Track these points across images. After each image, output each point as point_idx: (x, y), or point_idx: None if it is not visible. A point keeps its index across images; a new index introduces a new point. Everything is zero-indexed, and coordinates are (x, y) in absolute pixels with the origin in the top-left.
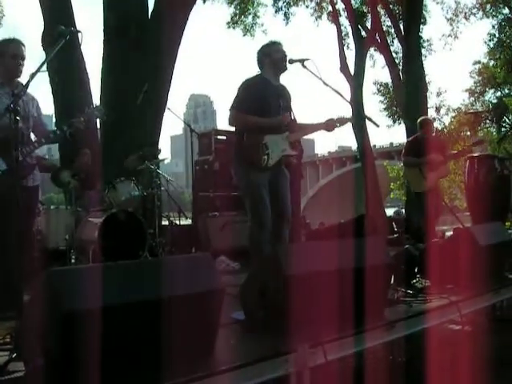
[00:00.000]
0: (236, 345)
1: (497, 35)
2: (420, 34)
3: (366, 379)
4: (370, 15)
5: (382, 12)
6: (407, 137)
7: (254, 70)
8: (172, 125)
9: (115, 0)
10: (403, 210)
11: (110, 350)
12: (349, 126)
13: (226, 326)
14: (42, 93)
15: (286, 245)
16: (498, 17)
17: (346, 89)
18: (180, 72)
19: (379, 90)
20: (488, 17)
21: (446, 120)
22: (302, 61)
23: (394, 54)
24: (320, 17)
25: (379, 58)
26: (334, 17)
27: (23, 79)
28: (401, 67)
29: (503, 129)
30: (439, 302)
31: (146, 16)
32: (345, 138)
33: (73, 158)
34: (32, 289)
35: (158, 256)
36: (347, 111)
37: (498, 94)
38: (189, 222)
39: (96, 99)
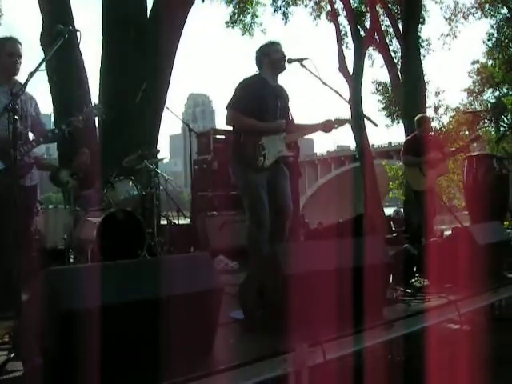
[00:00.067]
0: (235, 344)
1: (495, 35)
2: (419, 33)
3: (364, 378)
4: (368, 15)
5: (381, 11)
6: (406, 136)
7: (252, 70)
8: (171, 124)
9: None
10: (402, 210)
11: (109, 350)
12: (347, 126)
13: (225, 325)
14: (40, 92)
15: (284, 244)
16: (496, 16)
17: (344, 88)
18: (179, 71)
19: (378, 90)
20: (486, 16)
21: (445, 119)
22: (300, 60)
23: (392, 54)
24: (319, 16)
25: (378, 58)
26: (333, 16)
27: (21, 78)
28: (399, 67)
29: (502, 128)
30: (438, 301)
31: (144, 16)
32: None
33: (71, 158)
34: (30, 288)
35: (156, 255)
36: (346, 111)
37: (497, 93)
38: (187, 221)
39: (95, 98)
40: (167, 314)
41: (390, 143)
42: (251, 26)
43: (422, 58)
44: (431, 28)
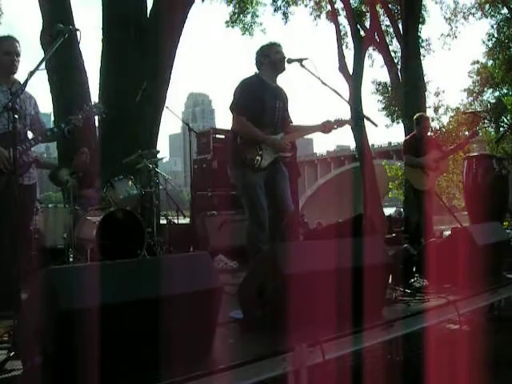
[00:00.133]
0: (234, 344)
1: (495, 35)
2: (419, 33)
3: (364, 378)
4: (368, 14)
5: (381, 11)
6: (405, 136)
7: (252, 69)
8: (170, 123)
9: None
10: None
11: (108, 349)
12: (347, 127)
13: (224, 324)
14: (40, 91)
15: (284, 244)
16: (496, 17)
17: (344, 88)
18: (179, 71)
19: (378, 90)
20: (487, 17)
21: (445, 120)
22: (300, 60)
23: (392, 54)
24: (319, 16)
25: (378, 58)
26: (333, 16)
27: (21, 77)
28: (399, 67)
29: (501, 128)
30: (437, 302)
31: (144, 15)
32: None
33: (71, 157)
34: (30, 287)
35: (156, 255)
36: (346, 111)
37: (497, 93)
38: (187, 220)
39: (95, 98)
40: (166, 314)
41: (389, 143)
42: (251, 25)
43: (421, 58)
44: (431, 28)
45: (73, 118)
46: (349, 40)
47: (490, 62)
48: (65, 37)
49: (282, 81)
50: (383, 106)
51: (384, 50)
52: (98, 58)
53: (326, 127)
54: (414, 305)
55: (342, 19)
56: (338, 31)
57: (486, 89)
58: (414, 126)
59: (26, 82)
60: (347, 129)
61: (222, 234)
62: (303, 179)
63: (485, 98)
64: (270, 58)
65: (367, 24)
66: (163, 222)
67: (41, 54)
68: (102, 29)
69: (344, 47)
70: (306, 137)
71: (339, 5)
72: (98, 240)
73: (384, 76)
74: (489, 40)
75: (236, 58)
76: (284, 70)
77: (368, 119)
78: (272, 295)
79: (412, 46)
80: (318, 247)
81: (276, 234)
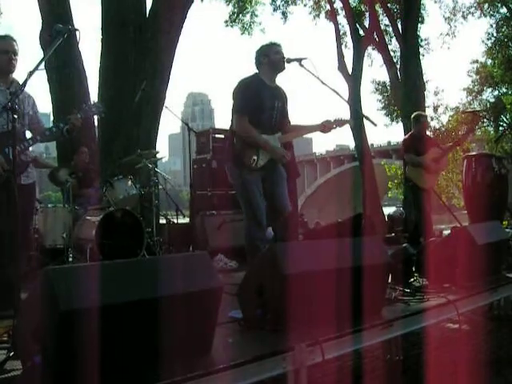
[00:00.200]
0: (234, 343)
1: (495, 34)
2: (418, 32)
3: (363, 378)
4: (367, 14)
5: (380, 11)
6: (405, 135)
7: (251, 69)
8: (170, 123)
9: None
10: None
11: (107, 349)
12: (346, 127)
13: (224, 324)
14: (39, 91)
15: (283, 244)
16: (495, 16)
17: (343, 88)
18: (178, 70)
19: (377, 89)
20: (486, 16)
21: (444, 119)
22: (299, 60)
23: (391, 53)
24: (318, 15)
25: (377, 57)
26: (332, 15)
27: (20, 77)
28: (398, 66)
29: (501, 128)
30: (437, 301)
31: (143, 15)
32: (343, 136)
33: (71, 157)
34: (29, 287)
35: (155, 254)
36: (345, 110)
37: (496, 92)
38: (186, 220)
39: (94, 97)
40: (166, 314)
41: (389, 142)
42: (250, 25)
43: (421, 57)
44: (430, 27)
45: (72, 118)
46: (348, 39)
47: (490, 61)
48: (64, 37)
49: (281, 80)
50: (382, 105)
51: (383, 49)
52: (98, 58)
53: (326, 127)
54: (414, 304)
55: (341, 19)
56: (337, 31)
57: (485, 88)
58: (411, 125)
59: (25, 81)
60: (347, 128)
61: (221, 234)
62: (303, 179)
63: (484, 97)
64: (270, 58)
65: (366, 23)
66: (163, 221)
67: (40, 54)
68: (102, 28)
69: (343, 47)
70: (305, 136)
71: (338, 4)
72: (97, 240)
73: (383, 75)
74: (488, 39)
75: (235, 57)
76: (283, 69)
77: (367, 119)
78: (271, 295)
79: (411, 45)
80: (318, 247)
81: (276, 234)
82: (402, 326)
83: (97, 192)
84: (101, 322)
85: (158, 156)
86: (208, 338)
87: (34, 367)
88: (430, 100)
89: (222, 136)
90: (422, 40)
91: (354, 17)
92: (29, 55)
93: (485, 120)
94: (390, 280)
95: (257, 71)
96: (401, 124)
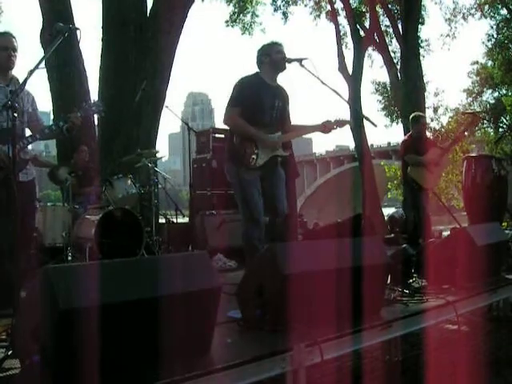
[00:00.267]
0: (232, 343)
1: (495, 36)
2: (418, 33)
3: (362, 378)
4: (368, 15)
5: (381, 12)
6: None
7: (251, 69)
8: (170, 123)
9: None
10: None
11: (107, 348)
12: (347, 127)
13: (223, 324)
14: (40, 90)
15: (283, 244)
16: (496, 17)
17: (344, 88)
18: (178, 70)
19: (377, 90)
20: (486, 17)
21: (444, 120)
22: (300, 60)
23: (392, 54)
24: (318, 16)
25: (377, 58)
26: (333, 16)
27: (21, 76)
28: (399, 67)
29: (500, 129)
30: (436, 302)
31: (144, 14)
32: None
33: (70, 155)
34: (28, 286)
35: (154, 254)
36: (345, 111)
37: (496, 94)
38: (186, 220)
39: (94, 96)
40: (165, 313)
41: (389, 143)
42: (251, 25)
43: (421, 58)
44: (431, 28)
45: (72, 116)
46: (348, 40)
47: (490, 63)
48: (64, 35)
49: (281, 81)
50: (382, 106)
51: (383, 50)
52: (98, 57)
53: (326, 127)
54: (413, 305)
55: (342, 19)
56: (338, 31)
57: (485, 89)
58: (410, 125)
59: (25, 80)
60: (346, 129)
61: (220, 234)
62: (302, 179)
63: (484, 98)
64: (271, 58)
65: (367, 24)
66: (162, 221)
67: (40, 53)
68: (102, 28)
69: (344, 47)
70: (305, 136)
71: (339, 5)
72: (96, 239)
73: (383, 76)
74: (488, 40)
75: (235, 57)
76: (284, 69)
77: (367, 119)
78: (271, 295)
79: (411, 46)
80: (317, 247)
81: (274, 234)
82: (402, 327)
83: (96, 191)
84: (100, 321)
85: (158, 155)
86: (207, 338)
87: (32, 366)
88: (430, 101)
89: (222, 136)
90: (422, 41)
91: (355, 17)
92: (29, 54)
93: (485, 121)
94: (389, 281)
95: (258, 70)
96: (401, 125)
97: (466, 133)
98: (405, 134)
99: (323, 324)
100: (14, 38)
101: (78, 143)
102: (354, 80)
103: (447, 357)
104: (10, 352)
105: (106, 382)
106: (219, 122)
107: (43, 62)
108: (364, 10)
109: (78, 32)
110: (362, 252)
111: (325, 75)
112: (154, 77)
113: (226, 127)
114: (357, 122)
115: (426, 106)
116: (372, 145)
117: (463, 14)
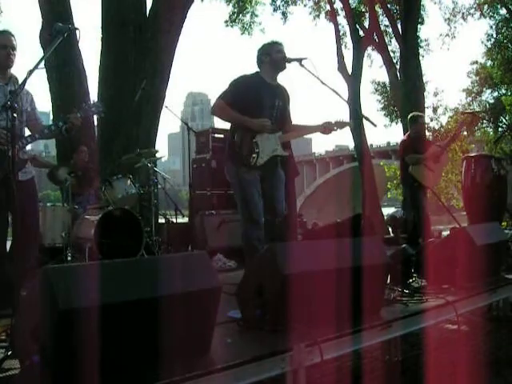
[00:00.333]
0: (232, 343)
1: (494, 35)
2: (418, 33)
3: (362, 378)
4: (367, 14)
5: (380, 11)
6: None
7: (251, 69)
8: (170, 123)
9: None
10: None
11: (106, 348)
12: (347, 128)
13: (223, 324)
14: (39, 90)
15: (282, 244)
16: (495, 17)
17: (343, 88)
18: (178, 70)
19: (377, 90)
20: (485, 17)
21: (443, 120)
22: (299, 60)
23: (391, 54)
24: (318, 16)
25: (377, 58)
26: (332, 16)
27: (20, 76)
28: (398, 67)
29: (500, 129)
30: (436, 302)
31: (144, 14)
32: (342, 137)
33: (70, 156)
34: (28, 286)
35: (154, 254)
36: (344, 111)
37: (495, 94)
38: (185, 220)
39: (94, 97)
40: (165, 313)
41: (388, 143)
42: (250, 25)
43: (420, 58)
44: (430, 28)
45: (71, 117)
46: (348, 40)
47: (489, 63)
48: (64, 36)
49: (281, 80)
50: (382, 105)
51: (383, 50)
52: (98, 57)
53: (326, 128)
54: (413, 305)
55: (341, 19)
56: (337, 31)
57: (484, 89)
58: (408, 125)
59: (25, 80)
60: (346, 130)
61: (220, 234)
62: (302, 179)
63: (483, 98)
64: (271, 57)
65: (366, 24)
66: (162, 221)
67: (40, 53)
68: (102, 28)
69: (343, 47)
70: (304, 136)
71: (338, 5)
72: (96, 239)
73: (383, 76)
74: (488, 40)
75: (235, 57)
76: (284, 68)
77: (367, 119)
78: (271, 295)
79: (411, 46)
80: (317, 247)
81: (272, 234)
82: (401, 327)
83: (96, 191)
84: (100, 322)
85: (158, 155)
86: (207, 338)
87: (32, 366)
88: (429, 101)
89: (222, 136)
90: (421, 41)
91: (354, 17)
92: (29, 54)
93: (484, 121)
94: (388, 281)
95: (258, 70)
96: (400, 125)
97: (462, 128)
98: (404, 134)
99: (323, 324)
100: (12, 36)
101: (77, 143)
102: (354, 80)
103: (447, 357)
104: (9, 352)
105: (106, 382)
106: (219, 122)
107: (43, 62)
108: (363, 10)
109: (77, 32)
110: (362, 252)
111: (324, 75)
112: (154, 77)
113: (225, 127)
114: (356, 121)
115: (426, 105)
116: (371, 145)
117: (462, 13)
